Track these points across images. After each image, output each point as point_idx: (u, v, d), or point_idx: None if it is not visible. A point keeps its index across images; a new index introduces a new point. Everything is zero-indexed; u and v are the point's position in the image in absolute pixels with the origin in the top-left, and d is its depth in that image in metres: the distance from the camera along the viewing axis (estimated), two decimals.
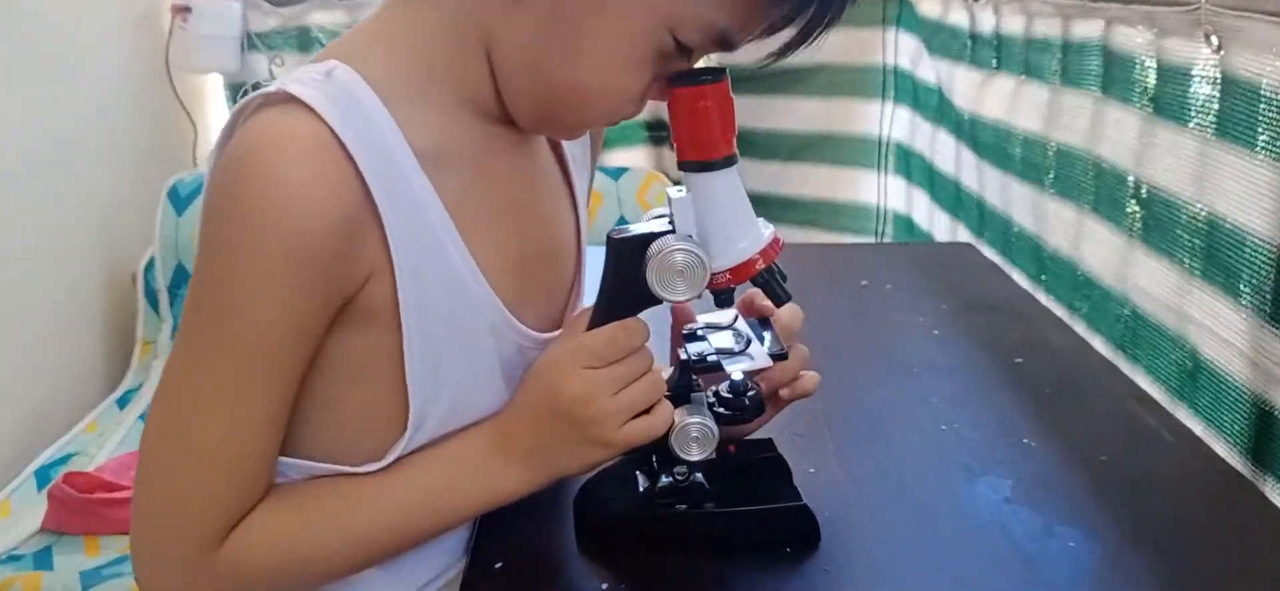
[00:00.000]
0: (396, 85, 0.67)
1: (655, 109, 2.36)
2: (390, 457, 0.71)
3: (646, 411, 0.71)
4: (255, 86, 2.30)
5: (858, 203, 2.19)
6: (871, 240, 2.18)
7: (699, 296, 0.70)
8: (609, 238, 0.71)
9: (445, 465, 0.73)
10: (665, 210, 0.74)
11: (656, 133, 2.42)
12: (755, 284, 0.72)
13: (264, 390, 0.66)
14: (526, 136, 0.77)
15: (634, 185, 2.30)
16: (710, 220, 0.70)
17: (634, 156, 2.44)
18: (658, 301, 0.70)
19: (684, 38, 0.65)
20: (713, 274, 0.69)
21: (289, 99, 0.62)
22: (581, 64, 0.67)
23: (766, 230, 0.72)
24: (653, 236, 0.70)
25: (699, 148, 0.68)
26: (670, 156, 2.40)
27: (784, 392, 0.81)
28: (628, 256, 0.70)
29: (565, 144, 0.84)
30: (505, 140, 0.74)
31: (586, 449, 0.71)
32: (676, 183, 2.19)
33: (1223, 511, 0.84)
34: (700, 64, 0.71)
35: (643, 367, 0.71)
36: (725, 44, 0.67)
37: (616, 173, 2.33)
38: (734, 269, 0.70)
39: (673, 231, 0.70)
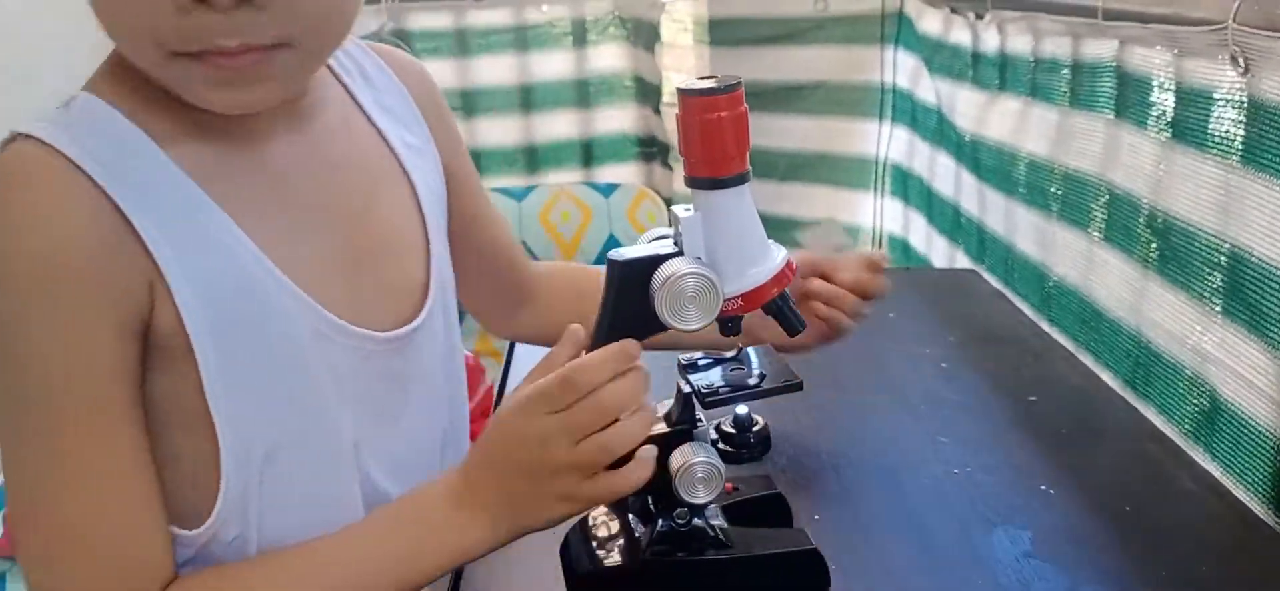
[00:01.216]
0: (142, 101, 0.63)
1: (647, 124, 2.34)
2: (217, 507, 0.64)
3: (626, 457, 0.64)
4: None
5: (853, 225, 2.15)
6: None
7: (710, 324, 0.64)
8: (610, 260, 0.66)
9: (405, 525, 0.67)
10: (665, 230, 0.69)
11: (648, 148, 2.38)
12: (767, 311, 0.66)
13: (100, 446, 0.60)
14: (312, 123, 0.71)
15: (624, 202, 2.26)
16: (721, 242, 0.64)
17: (624, 172, 2.39)
18: (663, 329, 0.64)
19: None
20: (723, 300, 0.63)
21: (16, 138, 0.60)
22: (99, 13, 0.61)
23: (779, 254, 0.66)
24: (660, 259, 0.64)
25: (711, 163, 0.63)
26: (661, 173, 2.36)
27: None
28: (633, 281, 0.64)
29: (385, 126, 0.77)
30: (286, 130, 0.69)
31: (549, 505, 0.65)
32: (668, 201, 2.11)
33: (1251, 564, 0.79)
34: (711, 79, 0.65)
35: (612, 409, 0.63)
36: None
37: (607, 189, 2.28)
38: (746, 295, 0.64)
39: (680, 253, 0.64)
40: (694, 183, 0.64)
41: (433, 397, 0.77)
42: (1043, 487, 0.86)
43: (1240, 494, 0.90)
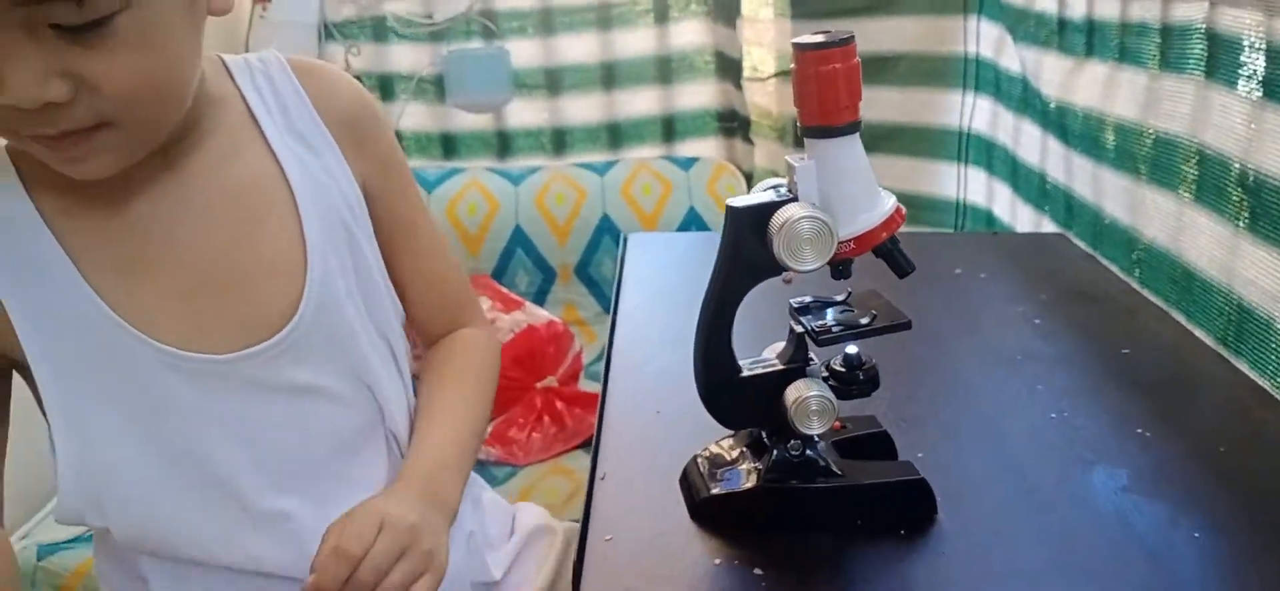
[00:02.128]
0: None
1: (727, 98, 2.37)
2: (61, 503, 0.75)
3: None
4: None
5: (937, 195, 2.16)
6: (949, 232, 2.15)
7: (824, 266, 0.68)
8: (729, 206, 0.70)
9: None
10: (778, 180, 0.73)
11: (727, 123, 2.41)
12: (877, 254, 0.70)
13: None
14: (186, 163, 0.78)
15: (704, 175, 2.30)
16: (834, 188, 0.68)
17: (704, 147, 2.43)
18: (779, 271, 0.69)
19: None
20: (837, 243, 0.68)
21: None
22: None
23: (888, 200, 0.70)
24: (776, 205, 0.68)
25: (825, 112, 0.67)
26: (741, 147, 2.39)
27: None
28: (750, 225, 0.68)
29: (284, 152, 0.81)
30: (152, 171, 0.76)
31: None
32: (748, 174, 2.14)
33: None
34: (825, 34, 0.69)
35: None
36: None
37: (687, 163, 2.32)
38: (858, 238, 0.68)
39: (795, 199, 0.68)
40: (809, 132, 0.68)
41: (328, 403, 0.82)
42: (1138, 431, 0.88)
43: None
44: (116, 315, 0.73)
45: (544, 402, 1.84)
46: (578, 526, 0.97)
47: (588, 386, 1.94)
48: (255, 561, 0.80)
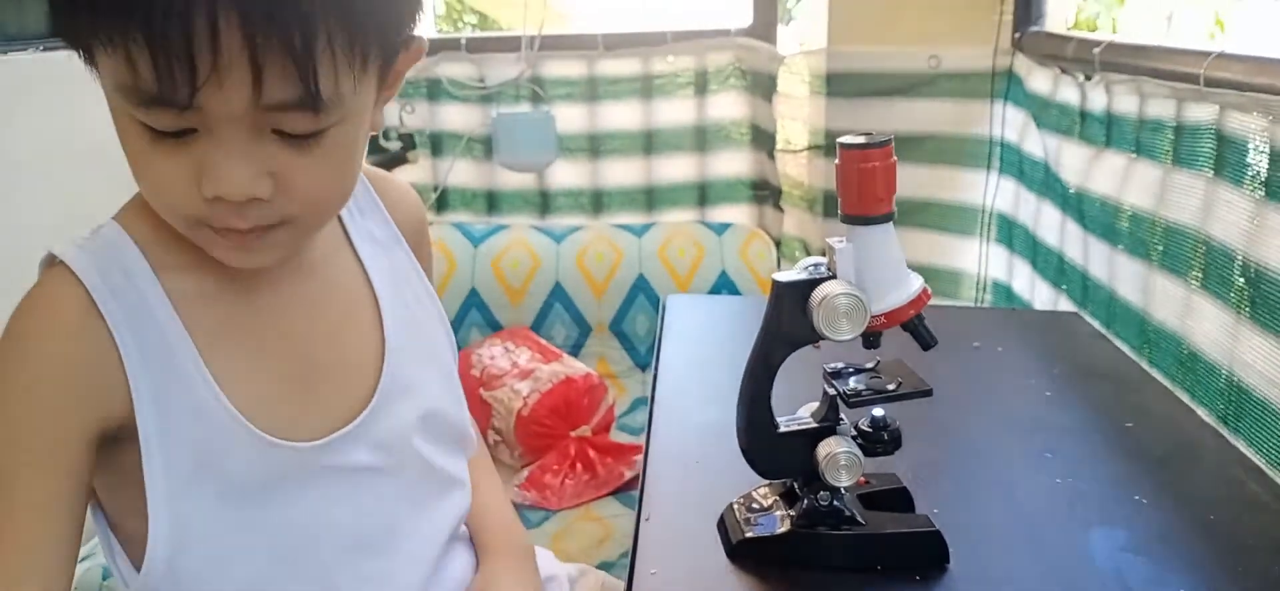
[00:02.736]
0: (156, 233, 0.77)
1: (761, 168, 2.48)
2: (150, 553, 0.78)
3: None
4: (385, 135, 2.42)
5: (960, 269, 2.25)
6: (970, 305, 2.24)
7: (857, 337, 0.78)
8: (775, 280, 0.80)
9: None
10: (819, 259, 0.83)
11: (760, 192, 2.51)
12: (906, 329, 0.80)
13: (37, 510, 0.73)
14: (301, 259, 0.83)
15: (737, 241, 2.39)
16: (869, 269, 0.78)
17: (737, 213, 2.52)
18: (817, 340, 0.78)
19: (133, 112, 0.67)
20: (870, 317, 0.77)
21: (56, 261, 0.75)
22: (137, 179, 0.73)
23: (916, 281, 0.80)
24: (817, 281, 0.78)
25: (864, 204, 0.77)
26: (772, 215, 2.48)
27: None
28: (792, 298, 0.78)
29: (366, 255, 0.89)
30: (269, 268, 0.80)
31: None
32: (778, 241, 2.25)
33: None
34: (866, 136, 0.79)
35: None
36: (162, 98, 0.65)
37: (720, 228, 2.42)
38: (889, 314, 0.78)
39: (834, 277, 0.78)
40: (848, 219, 0.78)
41: (400, 488, 0.89)
42: (1136, 498, 0.97)
43: None
44: (227, 400, 0.77)
45: (578, 451, 1.92)
46: (602, 573, 1.08)
47: (619, 437, 2.03)
48: None
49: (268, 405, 0.80)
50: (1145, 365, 1.42)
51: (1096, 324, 1.59)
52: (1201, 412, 1.26)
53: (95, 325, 0.74)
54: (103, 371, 0.74)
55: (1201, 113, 1.33)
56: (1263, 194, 1.17)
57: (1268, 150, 1.16)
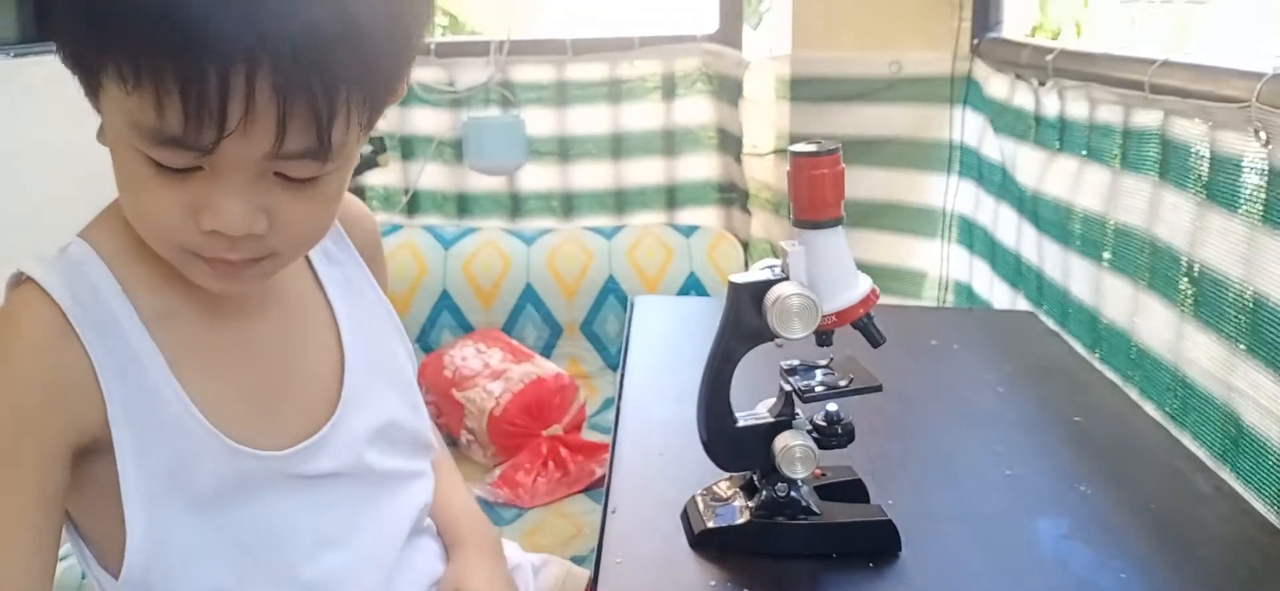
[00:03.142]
0: (124, 252, 0.79)
1: (728, 172, 2.52)
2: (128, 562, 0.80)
3: None
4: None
5: (921, 270, 2.30)
6: (933, 305, 2.29)
7: (810, 335, 0.82)
8: (731, 283, 0.84)
9: None
10: (773, 262, 0.87)
11: (727, 194, 2.55)
12: (855, 327, 0.84)
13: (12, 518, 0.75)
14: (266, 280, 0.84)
15: (704, 243, 2.43)
16: (820, 271, 0.82)
17: (704, 215, 2.56)
18: (771, 338, 0.82)
19: (145, 148, 0.68)
20: (821, 317, 0.81)
21: (26, 279, 0.76)
22: (126, 204, 0.75)
23: (865, 282, 0.84)
24: (771, 283, 0.82)
25: (815, 208, 0.81)
26: (739, 217, 2.52)
27: None
28: (749, 299, 0.82)
29: (324, 273, 0.92)
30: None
31: None
32: (745, 243, 2.29)
33: (1260, 559, 0.94)
34: (816, 144, 0.83)
35: None
36: (185, 142, 0.66)
37: (688, 231, 2.46)
38: (840, 313, 0.82)
39: (787, 278, 0.82)
40: (800, 223, 0.82)
41: (361, 488, 0.91)
42: (1081, 488, 1.01)
43: (1257, 503, 1.04)
44: (198, 411, 0.80)
45: (549, 449, 1.96)
46: (566, 562, 1.11)
47: (590, 436, 2.06)
48: None
49: (235, 417, 0.82)
50: (1096, 363, 1.47)
51: (1051, 323, 1.64)
52: (1149, 408, 1.31)
53: (70, 341, 0.75)
54: (78, 387, 0.76)
55: (1147, 118, 1.37)
56: (1204, 197, 1.22)
57: (1208, 155, 1.21)
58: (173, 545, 0.81)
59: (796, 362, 0.91)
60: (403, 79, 0.75)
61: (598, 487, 1.93)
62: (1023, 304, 1.83)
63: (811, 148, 0.80)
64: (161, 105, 0.64)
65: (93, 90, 0.69)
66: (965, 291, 2.19)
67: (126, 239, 0.78)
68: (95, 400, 0.77)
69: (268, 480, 0.85)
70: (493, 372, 2.05)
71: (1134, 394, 1.36)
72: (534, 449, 1.96)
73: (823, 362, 0.91)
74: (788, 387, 0.88)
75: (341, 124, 0.68)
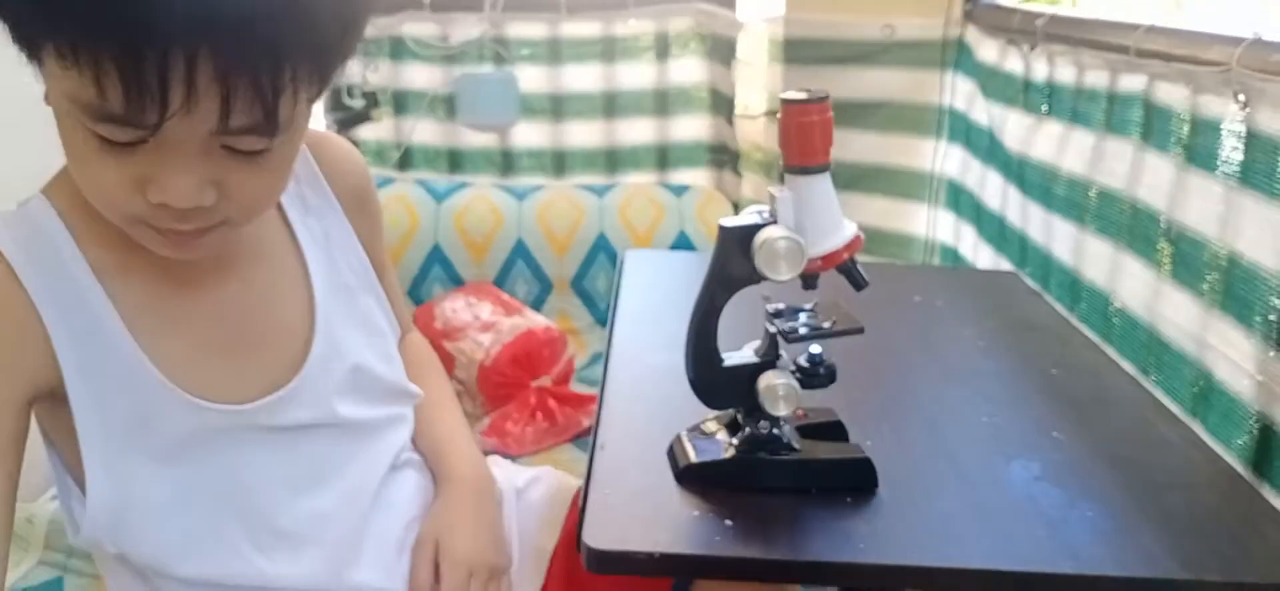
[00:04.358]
0: (82, 208, 0.77)
1: (719, 132, 2.54)
2: (84, 528, 0.82)
3: None
4: (349, 93, 2.44)
5: (908, 232, 2.32)
6: (917, 265, 2.32)
7: (796, 278, 0.85)
8: (720, 226, 0.87)
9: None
10: (761, 207, 0.89)
11: (718, 155, 2.56)
12: (840, 271, 0.87)
13: None
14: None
15: (694, 203, 2.45)
16: (807, 216, 0.85)
17: (696, 176, 2.58)
18: (759, 281, 0.85)
19: (88, 123, 0.67)
20: (807, 260, 0.84)
21: None
22: (74, 172, 0.74)
23: (850, 227, 0.87)
24: (759, 226, 0.85)
25: (803, 155, 0.84)
26: (730, 178, 2.55)
27: None
28: (737, 242, 0.85)
29: (296, 220, 0.92)
30: None
31: None
32: (735, 204, 2.31)
33: (1225, 504, 0.97)
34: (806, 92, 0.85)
35: None
36: (128, 121, 0.66)
37: (679, 190, 2.48)
38: (825, 257, 0.85)
39: (775, 222, 0.85)
40: (789, 169, 0.85)
41: (335, 436, 0.93)
42: (1054, 435, 1.05)
43: (1222, 452, 1.08)
44: (154, 366, 0.80)
45: (538, 400, 1.99)
46: (561, 475, 1.14)
47: (578, 388, 2.09)
48: (266, 578, 0.89)
49: (196, 370, 0.83)
50: (1075, 321, 1.50)
51: (1033, 283, 1.67)
52: (1125, 364, 1.34)
53: (17, 297, 0.76)
54: (26, 342, 0.76)
55: (1132, 82, 1.40)
56: (1184, 159, 1.25)
57: (1189, 118, 1.24)
58: (137, 494, 0.82)
59: (782, 306, 0.94)
60: (353, 45, 0.74)
61: (585, 437, 1.96)
62: (1006, 266, 1.86)
63: (801, 95, 0.83)
64: (102, 86, 0.63)
65: (35, 61, 0.68)
66: (952, 254, 2.21)
67: (86, 202, 0.77)
68: (46, 355, 0.77)
69: (236, 432, 0.86)
70: (483, 324, 2.08)
71: (1111, 352, 1.39)
72: (523, 399, 1.98)
73: (807, 306, 0.94)
74: (773, 329, 0.91)
75: (289, 99, 0.69)
